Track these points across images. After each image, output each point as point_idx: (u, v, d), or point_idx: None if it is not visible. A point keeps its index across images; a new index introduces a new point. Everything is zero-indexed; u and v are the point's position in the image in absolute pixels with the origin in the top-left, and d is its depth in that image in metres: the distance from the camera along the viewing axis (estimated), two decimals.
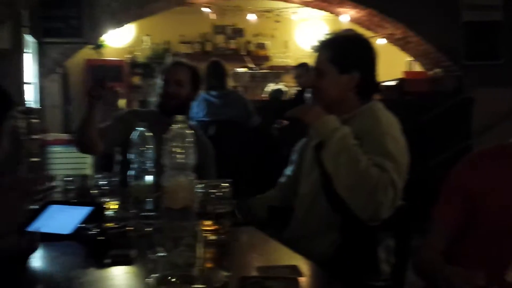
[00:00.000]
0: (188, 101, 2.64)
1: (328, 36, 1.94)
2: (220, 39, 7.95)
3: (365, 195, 1.65)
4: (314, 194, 1.86)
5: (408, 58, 7.13)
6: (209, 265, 1.27)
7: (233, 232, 1.61)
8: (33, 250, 1.42)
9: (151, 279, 0.97)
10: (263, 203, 2.10)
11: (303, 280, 1.21)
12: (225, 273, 1.15)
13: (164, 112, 2.58)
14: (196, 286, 0.96)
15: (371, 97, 1.92)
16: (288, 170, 2.18)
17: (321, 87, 1.89)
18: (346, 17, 6.56)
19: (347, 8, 6.32)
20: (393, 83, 5.74)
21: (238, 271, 1.26)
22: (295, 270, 1.28)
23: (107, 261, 1.37)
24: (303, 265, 1.36)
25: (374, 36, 6.77)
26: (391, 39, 6.66)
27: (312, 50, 1.94)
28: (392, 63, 7.02)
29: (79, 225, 1.65)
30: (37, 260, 1.44)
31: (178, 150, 1.49)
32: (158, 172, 1.84)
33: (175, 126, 1.52)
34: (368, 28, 6.61)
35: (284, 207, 2.06)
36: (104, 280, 1.30)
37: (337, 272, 1.67)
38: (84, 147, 2.46)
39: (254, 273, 1.27)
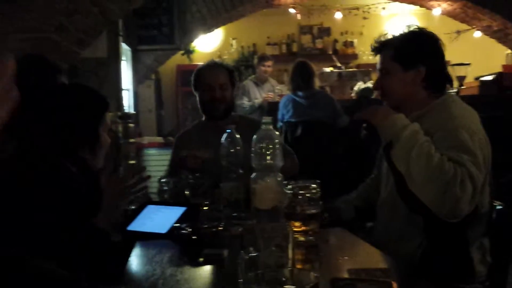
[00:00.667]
0: (232, 101, 2.65)
1: (387, 36, 1.93)
2: (306, 39, 7.94)
3: (441, 192, 1.57)
4: (394, 197, 1.82)
5: (507, 51, 6.73)
6: (299, 266, 1.27)
7: (322, 233, 1.60)
8: (131, 248, 1.49)
9: (243, 278, 0.99)
10: (349, 204, 2.10)
11: (395, 284, 1.18)
12: (315, 275, 1.14)
13: (212, 117, 2.60)
14: (286, 287, 0.96)
15: (443, 90, 1.87)
16: (373, 171, 2.17)
17: (388, 86, 1.89)
18: (438, 10, 6.30)
19: (439, 0, 6.07)
20: (490, 77, 5.42)
21: (328, 273, 1.25)
22: (388, 274, 1.25)
23: (201, 260, 1.41)
24: (394, 268, 1.32)
25: (469, 29, 6.46)
26: (488, 32, 6.31)
27: (372, 52, 1.95)
28: (490, 56, 6.66)
29: (174, 225, 1.72)
30: (135, 257, 1.52)
31: (266, 152, 1.51)
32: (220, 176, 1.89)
33: (262, 128, 1.54)
34: (463, 21, 6.32)
35: (369, 208, 2.05)
36: (198, 278, 1.34)
37: (428, 275, 1.61)
38: None
39: (345, 275, 1.25)
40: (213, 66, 2.65)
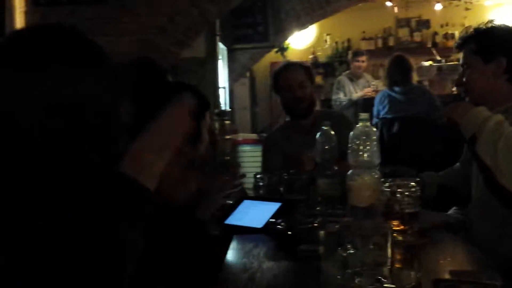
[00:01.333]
0: (313, 98, 2.67)
1: (469, 31, 1.92)
2: (403, 32, 7.68)
3: None
4: (486, 196, 1.73)
5: None
6: (398, 265, 1.24)
7: (421, 233, 1.55)
8: (229, 241, 1.54)
9: (341, 275, 0.99)
10: (434, 180, 2.08)
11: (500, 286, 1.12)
12: (415, 274, 1.11)
13: (296, 117, 2.66)
14: (386, 285, 0.95)
15: None
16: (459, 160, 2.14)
17: (470, 81, 1.87)
18: None
19: None
20: None
21: (429, 273, 1.21)
22: (493, 276, 1.19)
23: (297, 255, 1.43)
24: (496, 269, 1.26)
25: None
26: None
27: (456, 49, 1.98)
28: None
29: (269, 220, 1.75)
30: (233, 251, 1.56)
31: (363, 148, 1.49)
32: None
33: (359, 125, 1.52)
34: None
35: (453, 189, 2.06)
36: (295, 273, 1.36)
37: None
38: None
39: (447, 276, 1.21)
40: (289, 66, 2.73)
